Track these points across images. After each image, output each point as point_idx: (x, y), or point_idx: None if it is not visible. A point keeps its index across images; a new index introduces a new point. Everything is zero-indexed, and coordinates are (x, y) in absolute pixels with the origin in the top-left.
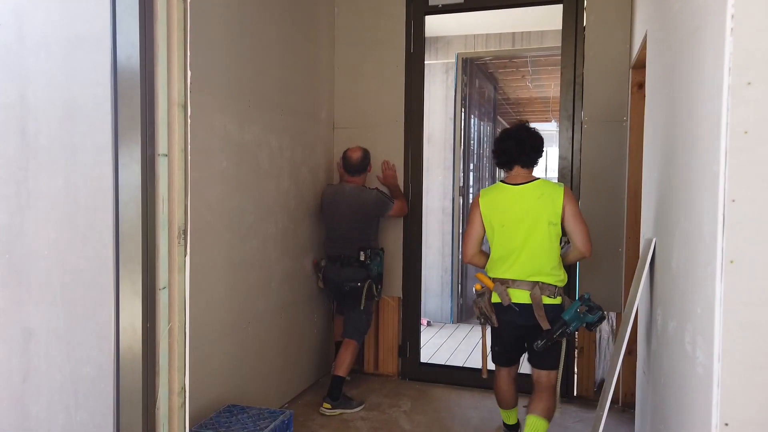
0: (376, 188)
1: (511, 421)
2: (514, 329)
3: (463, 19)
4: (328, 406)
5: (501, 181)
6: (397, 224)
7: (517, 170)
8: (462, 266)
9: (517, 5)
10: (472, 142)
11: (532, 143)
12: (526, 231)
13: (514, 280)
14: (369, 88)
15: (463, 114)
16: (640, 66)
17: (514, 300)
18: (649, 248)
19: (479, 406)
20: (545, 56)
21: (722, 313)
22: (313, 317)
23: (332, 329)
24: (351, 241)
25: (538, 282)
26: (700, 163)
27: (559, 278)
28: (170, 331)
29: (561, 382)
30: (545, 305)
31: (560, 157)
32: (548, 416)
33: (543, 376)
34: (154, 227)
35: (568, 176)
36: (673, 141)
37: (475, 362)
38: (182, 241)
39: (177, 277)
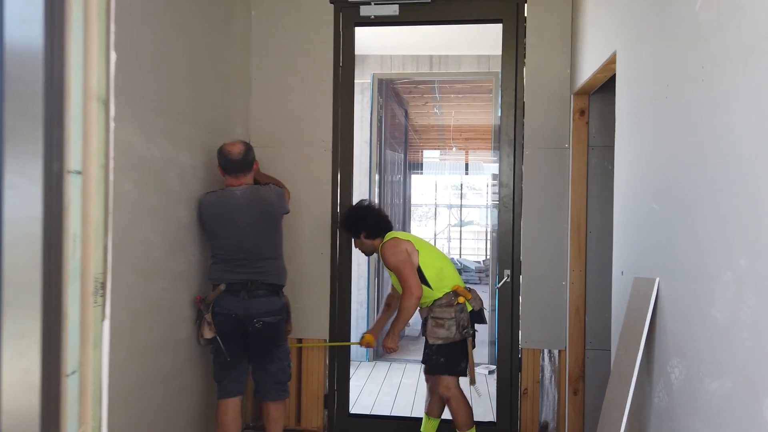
0: (268, 183)
1: None
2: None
3: (381, 38)
4: None
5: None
6: (323, 251)
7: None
8: (379, 298)
9: (453, 22)
10: (387, 168)
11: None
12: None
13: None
14: (291, 103)
15: (381, 137)
16: (583, 92)
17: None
18: (652, 290)
19: None
20: (458, 82)
21: None
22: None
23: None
24: (258, 261)
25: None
26: None
27: None
28: None
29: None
30: None
31: (501, 184)
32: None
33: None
34: (59, 279)
35: (510, 204)
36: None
37: (403, 408)
38: (100, 300)
39: (92, 354)
